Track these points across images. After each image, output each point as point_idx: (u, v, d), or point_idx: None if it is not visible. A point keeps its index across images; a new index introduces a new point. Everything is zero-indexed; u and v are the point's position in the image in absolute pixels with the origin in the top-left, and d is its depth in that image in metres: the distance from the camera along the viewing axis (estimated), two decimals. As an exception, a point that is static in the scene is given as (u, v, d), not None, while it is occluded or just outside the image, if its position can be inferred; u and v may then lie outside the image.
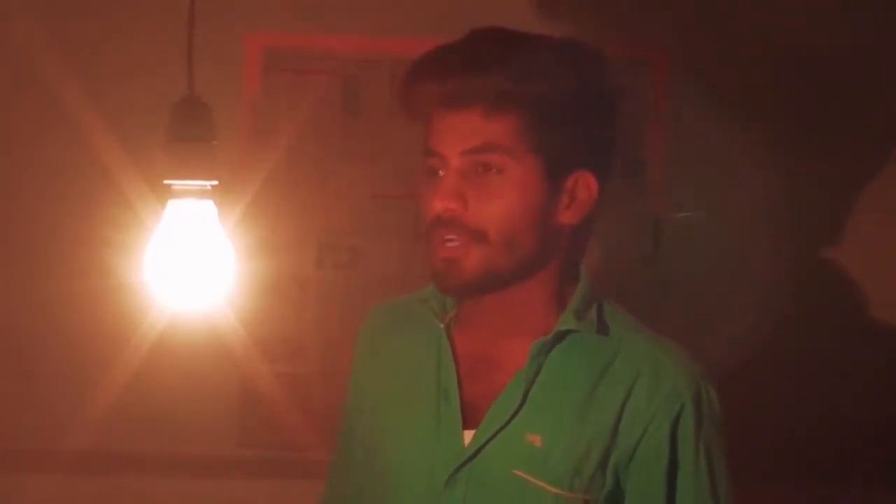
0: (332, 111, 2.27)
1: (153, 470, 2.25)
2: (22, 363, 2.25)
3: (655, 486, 1.44)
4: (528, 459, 1.41)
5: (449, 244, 1.40)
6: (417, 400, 1.48)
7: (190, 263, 1.37)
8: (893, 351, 2.32)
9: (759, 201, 2.29)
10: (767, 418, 2.32)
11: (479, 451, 1.42)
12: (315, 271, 2.28)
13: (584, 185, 1.45)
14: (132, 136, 2.08)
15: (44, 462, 2.23)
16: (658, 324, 2.28)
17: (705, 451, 1.47)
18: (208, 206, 1.38)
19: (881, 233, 2.32)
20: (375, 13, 2.26)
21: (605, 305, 1.52)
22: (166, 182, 1.37)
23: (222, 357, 2.19)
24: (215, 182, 1.37)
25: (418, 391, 1.48)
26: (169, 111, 1.38)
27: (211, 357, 2.18)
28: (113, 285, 2.06)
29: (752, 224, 2.30)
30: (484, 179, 1.39)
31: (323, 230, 2.29)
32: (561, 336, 1.45)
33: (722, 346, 2.30)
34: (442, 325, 1.50)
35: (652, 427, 1.43)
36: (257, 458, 2.29)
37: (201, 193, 1.36)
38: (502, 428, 1.42)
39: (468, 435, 1.44)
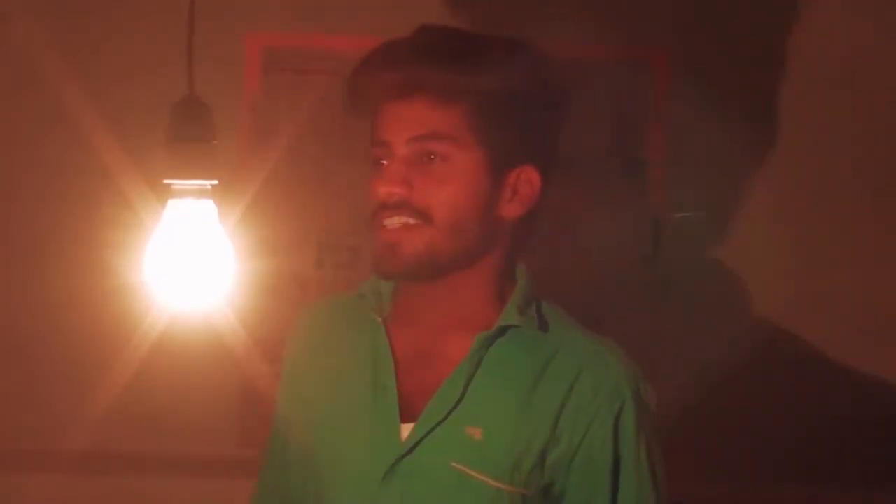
0: (332, 111, 2.27)
1: (153, 470, 2.25)
2: (22, 363, 2.25)
3: (599, 483, 1.46)
4: (467, 453, 1.42)
5: (392, 227, 1.43)
6: (355, 396, 1.48)
7: (190, 263, 1.37)
8: (893, 351, 2.32)
9: (759, 201, 2.29)
10: (767, 418, 2.32)
11: (417, 445, 1.43)
12: (315, 271, 2.28)
13: (526, 180, 1.47)
14: (132, 136, 2.08)
15: (44, 462, 2.24)
16: (658, 324, 2.29)
17: (646, 448, 1.49)
18: (208, 206, 1.38)
19: (881, 233, 2.32)
20: (375, 13, 2.26)
21: (544, 304, 1.54)
22: (166, 182, 1.37)
23: (222, 357, 2.18)
24: (215, 182, 1.37)
25: (356, 387, 1.49)
26: (169, 111, 1.38)
27: (211, 357, 2.18)
28: (113, 285, 2.06)
29: (752, 224, 2.30)
30: (429, 167, 1.42)
31: (323, 230, 2.29)
32: (502, 331, 1.47)
33: (722, 345, 2.30)
34: (379, 320, 1.51)
35: (595, 424, 1.45)
36: (257, 458, 2.29)
37: (201, 193, 1.36)
38: (441, 421, 1.43)
39: (406, 429, 1.45)
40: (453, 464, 1.42)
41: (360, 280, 2.33)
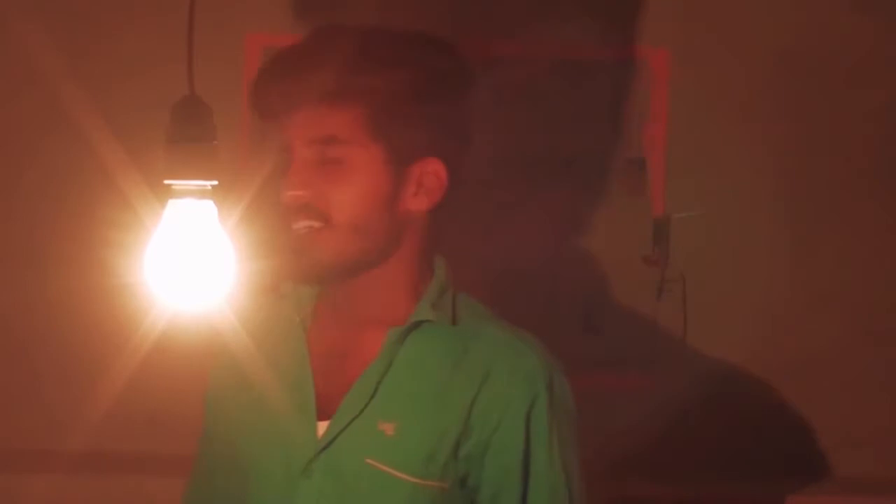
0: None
1: (153, 470, 2.25)
2: (22, 363, 2.25)
3: (511, 475, 1.47)
4: (380, 448, 1.44)
5: (299, 232, 1.45)
6: (275, 395, 1.51)
7: (190, 263, 1.37)
8: (894, 351, 2.32)
9: (759, 201, 2.29)
10: (767, 418, 2.32)
11: (333, 441, 1.45)
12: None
13: (431, 173, 1.49)
14: (132, 136, 2.07)
15: (44, 462, 2.23)
16: (658, 324, 2.29)
17: (559, 441, 1.49)
18: (208, 207, 1.38)
19: (881, 233, 2.32)
20: (375, 13, 2.26)
21: (462, 297, 1.56)
22: (166, 182, 1.36)
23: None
24: (215, 182, 1.37)
25: (276, 387, 1.52)
26: (169, 111, 1.38)
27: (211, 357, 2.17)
28: (113, 285, 2.06)
29: (752, 224, 2.30)
30: (328, 168, 1.44)
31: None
32: (416, 326, 1.49)
33: (722, 345, 2.30)
34: (298, 320, 1.53)
35: (507, 416, 1.46)
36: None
37: (201, 194, 1.36)
38: (356, 417, 1.45)
39: (323, 426, 1.47)
40: (367, 460, 1.44)
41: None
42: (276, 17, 2.25)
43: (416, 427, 1.45)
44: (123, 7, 2.22)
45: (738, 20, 2.28)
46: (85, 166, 2.16)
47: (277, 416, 1.50)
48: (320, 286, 1.54)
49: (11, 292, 2.25)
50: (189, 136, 1.35)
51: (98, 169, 2.13)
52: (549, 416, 1.48)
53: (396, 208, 1.47)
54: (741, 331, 2.28)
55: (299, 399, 1.49)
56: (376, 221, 1.46)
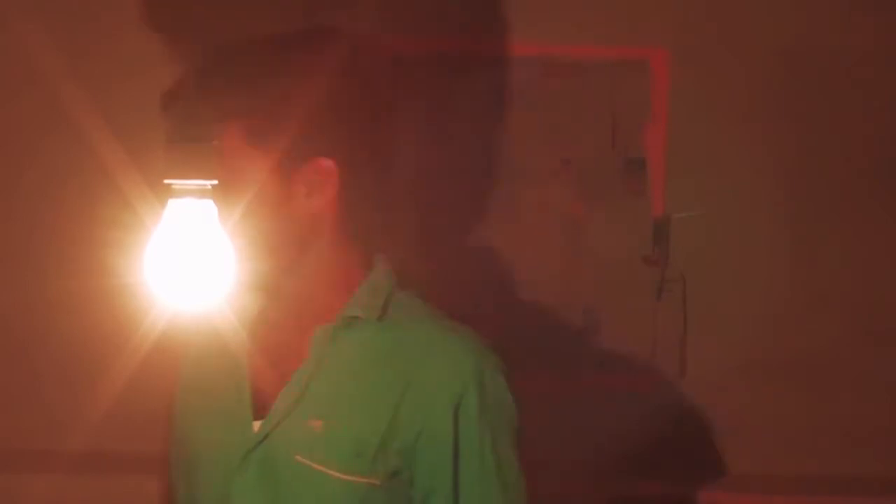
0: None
1: (153, 470, 2.25)
2: (22, 363, 2.25)
3: (442, 470, 1.48)
4: (309, 444, 1.47)
5: None
6: (219, 394, 1.57)
7: (190, 263, 1.37)
8: (894, 351, 2.32)
9: (759, 201, 2.29)
10: (767, 418, 2.32)
11: (264, 439, 1.49)
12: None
13: (322, 172, 1.49)
14: (132, 136, 2.07)
15: (44, 462, 2.23)
16: (658, 324, 2.29)
17: (491, 436, 1.50)
18: (208, 206, 1.38)
19: (882, 233, 2.32)
20: (376, 13, 2.26)
21: (402, 296, 1.58)
22: (166, 182, 1.37)
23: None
24: (215, 182, 1.37)
25: (220, 386, 1.57)
26: (169, 111, 1.38)
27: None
28: (113, 285, 2.06)
29: (752, 224, 2.30)
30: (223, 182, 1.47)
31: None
32: (346, 323, 1.51)
33: (722, 345, 2.30)
34: (242, 322, 1.57)
35: (434, 411, 1.47)
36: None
37: (201, 193, 1.36)
38: (287, 416, 1.49)
39: (259, 425, 1.51)
40: (297, 457, 1.47)
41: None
42: (275, 18, 2.24)
43: (343, 424, 1.47)
44: (124, 7, 2.22)
45: (738, 20, 2.28)
46: (85, 166, 2.16)
47: (218, 416, 1.55)
48: (260, 291, 1.57)
49: (11, 292, 2.24)
50: (189, 136, 1.35)
51: (98, 169, 2.13)
52: (479, 411, 1.49)
53: (290, 213, 1.49)
54: (741, 331, 2.28)
55: (237, 399, 1.54)
56: (274, 230, 1.48)
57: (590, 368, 2.31)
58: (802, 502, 2.31)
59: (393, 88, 1.62)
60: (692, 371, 2.31)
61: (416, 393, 1.48)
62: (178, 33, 1.42)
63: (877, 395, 2.31)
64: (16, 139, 2.23)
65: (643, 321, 2.31)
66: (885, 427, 2.32)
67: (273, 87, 1.46)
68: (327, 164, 1.48)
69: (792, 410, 2.31)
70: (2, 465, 2.25)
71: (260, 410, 1.52)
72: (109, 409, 2.15)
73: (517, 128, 2.28)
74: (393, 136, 1.58)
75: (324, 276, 1.53)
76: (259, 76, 1.47)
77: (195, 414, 1.62)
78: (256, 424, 1.51)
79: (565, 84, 2.28)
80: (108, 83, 2.18)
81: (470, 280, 2.30)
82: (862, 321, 2.31)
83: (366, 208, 1.54)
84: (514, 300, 2.30)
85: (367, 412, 1.47)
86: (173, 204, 1.37)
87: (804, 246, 2.30)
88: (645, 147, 2.29)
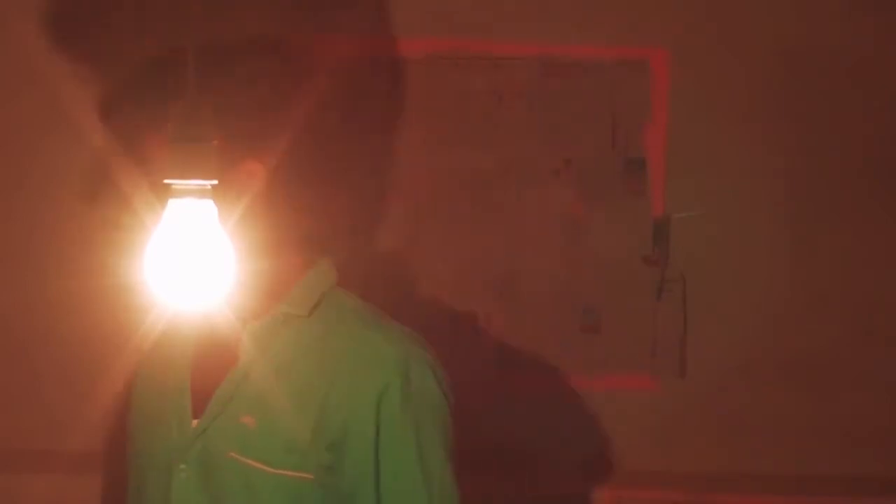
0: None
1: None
2: (22, 363, 2.25)
3: (365, 462, 1.50)
4: (242, 441, 1.50)
5: None
6: (165, 392, 1.61)
7: (190, 263, 1.37)
8: (894, 351, 2.32)
9: (759, 201, 2.29)
10: (767, 418, 2.32)
11: (199, 436, 1.53)
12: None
13: (249, 174, 1.54)
14: (132, 136, 2.07)
15: (44, 462, 2.23)
16: (658, 324, 2.29)
17: (414, 430, 1.51)
18: (208, 206, 1.38)
19: (882, 233, 2.32)
20: (376, 13, 2.26)
21: (337, 293, 1.61)
22: (166, 182, 1.36)
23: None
24: (215, 182, 1.37)
25: (167, 384, 1.61)
26: (169, 111, 1.38)
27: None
28: (113, 285, 2.06)
29: (752, 224, 2.30)
30: None
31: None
32: (277, 320, 1.54)
33: (722, 345, 2.30)
34: (192, 323, 1.60)
35: (358, 405, 1.49)
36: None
37: (201, 193, 1.36)
38: (220, 413, 1.52)
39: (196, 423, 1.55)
40: (231, 453, 1.50)
41: (359, 280, 2.33)
42: (275, 18, 2.24)
43: (274, 420, 1.49)
44: (124, 7, 2.22)
45: (738, 20, 2.28)
46: (85, 166, 2.16)
47: (163, 413, 1.59)
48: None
49: (11, 292, 2.24)
50: (189, 136, 1.35)
51: (98, 169, 2.13)
52: (402, 404, 1.50)
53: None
54: (741, 331, 2.28)
55: (178, 399, 1.58)
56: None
57: (589, 368, 2.31)
58: (802, 502, 2.31)
59: (321, 93, 1.65)
60: (692, 371, 2.31)
61: (341, 386, 1.50)
62: (178, 33, 1.42)
63: (877, 395, 2.31)
64: (16, 139, 2.23)
65: (643, 321, 2.31)
66: (885, 427, 2.32)
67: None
68: (254, 164, 1.52)
69: (792, 410, 2.31)
70: (2, 465, 2.25)
71: (202, 409, 1.55)
72: (109, 409, 2.15)
73: (517, 128, 2.28)
74: (325, 141, 1.61)
75: (260, 278, 1.55)
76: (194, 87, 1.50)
77: (144, 410, 1.66)
78: (196, 423, 1.55)
79: (565, 84, 2.28)
80: (107, 83, 2.18)
81: (470, 280, 2.30)
82: (862, 321, 2.31)
83: (300, 211, 1.56)
84: (514, 300, 2.30)
85: (297, 407, 1.49)
86: (173, 204, 1.37)
87: (804, 246, 2.30)
88: (645, 147, 2.29)
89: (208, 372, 1.58)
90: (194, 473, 1.53)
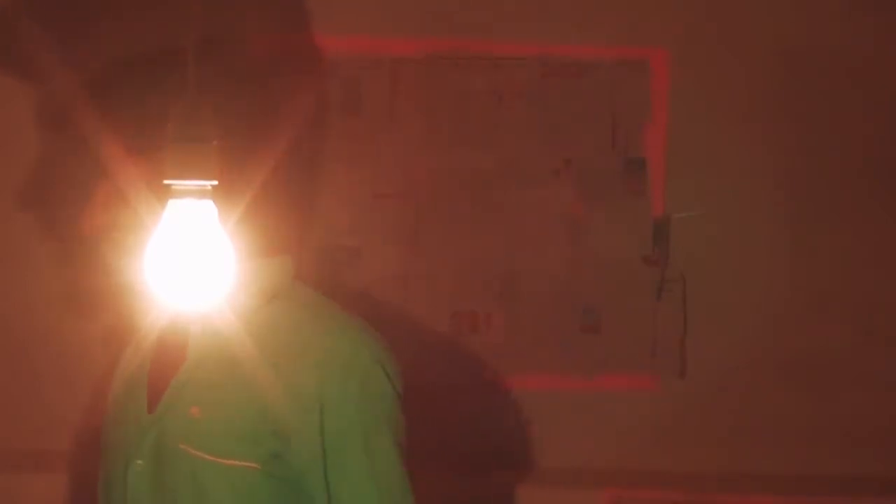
0: (332, 111, 2.27)
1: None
2: (22, 363, 2.25)
3: (312, 456, 1.50)
4: (190, 432, 1.52)
5: None
6: (128, 390, 1.64)
7: (190, 263, 1.37)
8: (894, 351, 2.32)
9: (759, 201, 2.29)
10: (766, 418, 2.32)
11: (153, 430, 1.55)
12: (315, 271, 2.28)
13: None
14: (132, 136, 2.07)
15: (44, 462, 2.23)
16: (658, 324, 2.29)
17: (360, 422, 1.51)
18: (208, 206, 1.38)
19: (881, 233, 2.32)
20: (375, 13, 2.26)
21: (294, 285, 1.62)
22: (166, 182, 1.36)
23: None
24: (215, 182, 1.37)
25: (133, 379, 1.64)
26: (169, 111, 1.38)
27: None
28: (113, 285, 2.06)
29: (752, 224, 2.30)
30: None
31: (323, 230, 2.29)
32: (228, 312, 1.53)
33: (722, 345, 2.30)
34: (154, 323, 1.63)
35: (303, 394, 1.49)
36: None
37: (201, 193, 1.36)
38: (173, 405, 1.54)
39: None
40: (181, 445, 1.52)
41: (359, 280, 2.34)
42: (276, 18, 2.24)
43: (219, 410, 1.51)
44: (124, 7, 2.22)
45: (738, 20, 2.28)
46: (85, 166, 2.16)
47: (126, 409, 1.62)
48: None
49: (11, 292, 2.24)
50: (189, 136, 1.35)
51: (98, 169, 2.13)
52: (346, 397, 1.50)
53: None
54: (741, 331, 2.28)
55: (137, 394, 1.60)
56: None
57: (589, 368, 2.31)
58: (802, 502, 2.31)
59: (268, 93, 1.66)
60: (692, 371, 2.31)
61: (286, 377, 1.50)
62: (177, 33, 1.42)
63: (877, 395, 2.31)
64: (16, 139, 2.23)
65: (643, 321, 2.31)
66: (885, 427, 2.32)
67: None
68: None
69: (792, 410, 2.31)
70: (2, 465, 2.25)
71: (158, 403, 1.58)
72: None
73: (517, 128, 2.28)
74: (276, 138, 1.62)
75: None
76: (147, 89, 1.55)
77: (114, 406, 1.69)
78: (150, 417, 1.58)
79: (565, 84, 2.28)
80: (107, 83, 2.17)
81: (470, 280, 2.30)
82: (862, 321, 2.31)
83: (258, 207, 1.56)
84: (514, 300, 2.30)
85: (242, 397, 1.50)
86: (173, 204, 1.37)
87: (804, 246, 2.30)
88: (645, 147, 2.29)
89: (166, 365, 1.59)
90: (148, 467, 1.56)
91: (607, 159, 2.29)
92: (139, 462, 1.56)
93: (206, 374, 1.54)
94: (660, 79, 2.28)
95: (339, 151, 2.27)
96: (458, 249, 2.30)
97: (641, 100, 2.29)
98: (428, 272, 2.29)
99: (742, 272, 2.30)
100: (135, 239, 1.53)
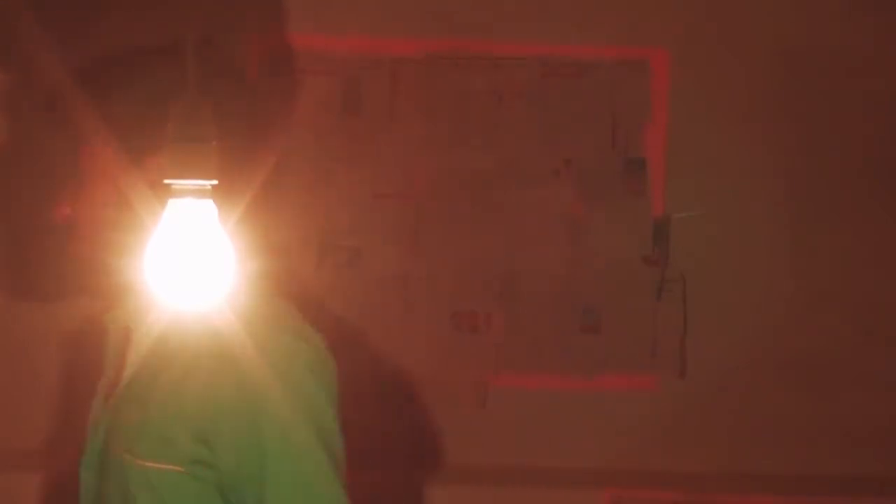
0: (333, 111, 2.27)
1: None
2: (22, 363, 2.25)
3: (246, 458, 1.48)
4: (125, 435, 1.52)
5: None
6: (98, 398, 1.65)
7: (190, 263, 1.37)
8: (894, 351, 2.32)
9: (759, 201, 2.29)
10: (766, 418, 2.32)
11: (98, 437, 1.58)
12: (315, 271, 2.28)
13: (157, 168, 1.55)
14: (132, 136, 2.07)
15: (44, 462, 2.23)
16: (658, 324, 2.29)
17: (290, 433, 1.50)
18: (208, 206, 1.38)
19: (881, 233, 2.32)
20: (375, 13, 2.26)
21: (248, 294, 1.58)
22: (166, 182, 1.36)
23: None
24: (215, 182, 1.37)
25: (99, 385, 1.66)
26: (169, 111, 1.38)
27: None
28: (113, 286, 2.06)
29: (752, 224, 2.30)
30: None
31: (323, 230, 2.29)
32: (163, 321, 1.55)
33: (722, 345, 2.30)
34: (123, 326, 1.65)
35: (228, 399, 1.48)
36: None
37: (201, 193, 1.36)
38: (117, 409, 1.55)
39: None
40: (118, 448, 1.53)
41: (360, 280, 2.34)
42: (276, 18, 2.24)
43: (149, 413, 1.51)
44: (124, 7, 2.22)
45: (738, 20, 2.28)
46: (85, 166, 2.16)
47: (92, 419, 1.63)
48: None
49: (11, 292, 2.24)
50: (189, 136, 1.35)
51: (98, 169, 2.13)
52: (274, 403, 1.49)
53: None
54: (741, 331, 2.28)
55: (100, 403, 1.62)
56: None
57: (589, 368, 2.31)
58: (802, 502, 2.31)
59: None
60: (692, 371, 2.31)
61: (212, 381, 1.49)
62: (177, 33, 1.42)
63: (877, 395, 2.31)
64: (16, 139, 2.23)
65: (643, 321, 2.31)
66: (885, 427, 2.32)
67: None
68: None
69: (792, 410, 2.31)
70: (2, 465, 2.25)
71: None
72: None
73: (517, 128, 2.28)
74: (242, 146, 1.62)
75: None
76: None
77: (93, 407, 1.69)
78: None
79: (565, 84, 2.28)
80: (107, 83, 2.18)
81: (470, 280, 2.30)
82: (862, 321, 2.31)
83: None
84: (514, 300, 2.30)
85: (170, 401, 1.50)
86: (173, 204, 1.37)
87: (804, 246, 2.30)
88: (645, 147, 2.29)
89: (119, 372, 1.61)
90: (96, 467, 1.59)
91: (607, 159, 2.29)
92: (89, 462, 1.60)
93: (145, 377, 1.54)
94: (660, 79, 2.28)
95: (339, 151, 2.27)
96: (458, 249, 2.30)
97: (641, 100, 2.29)
98: (428, 272, 2.29)
99: (742, 272, 2.30)
100: (135, 238, 1.53)
